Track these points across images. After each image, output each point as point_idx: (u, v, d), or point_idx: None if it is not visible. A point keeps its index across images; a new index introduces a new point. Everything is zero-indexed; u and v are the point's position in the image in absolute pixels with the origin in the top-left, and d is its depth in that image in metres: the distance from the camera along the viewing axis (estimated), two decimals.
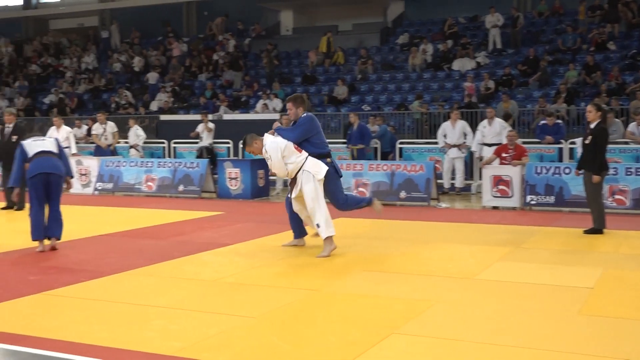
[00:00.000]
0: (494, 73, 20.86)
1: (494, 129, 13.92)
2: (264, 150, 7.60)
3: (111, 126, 16.94)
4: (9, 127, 12.25)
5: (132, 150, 17.39)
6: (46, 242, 8.07)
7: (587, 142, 8.99)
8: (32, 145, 8.29)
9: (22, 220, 11.31)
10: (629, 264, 7.20)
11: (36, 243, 8.05)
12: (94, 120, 17.82)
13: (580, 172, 9.23)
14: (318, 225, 7.47)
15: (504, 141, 12.77)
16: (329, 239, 7.51)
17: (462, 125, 14.63)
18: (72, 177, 8.67)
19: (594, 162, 8.92)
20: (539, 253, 7.83)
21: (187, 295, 5.97)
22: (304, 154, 7.60)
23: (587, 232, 9.04)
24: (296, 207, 7.81)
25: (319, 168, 7.56)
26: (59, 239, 8.20)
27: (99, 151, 16.79)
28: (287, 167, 7.56)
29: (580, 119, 17.10)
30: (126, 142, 17.83)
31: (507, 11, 22.90)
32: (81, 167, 15.63)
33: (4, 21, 33.02)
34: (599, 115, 9.00)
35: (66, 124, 16.70)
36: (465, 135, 14.55)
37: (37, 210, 7.95)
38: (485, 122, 14.30)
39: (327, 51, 24.41)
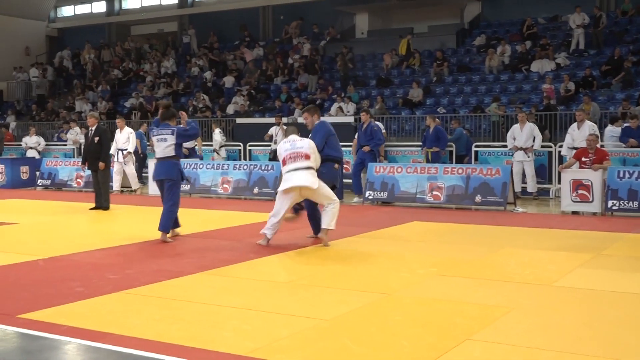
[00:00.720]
0: (575, 74, 20.30)
1: (583, 133, 13.40)
2: None
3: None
4: (91, 130, 12.74)
5: (215, 154, 17.79)
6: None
7: None
8: (155, 144, 9.41)
9: (106, 220, 11.70)
10: None
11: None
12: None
13: None
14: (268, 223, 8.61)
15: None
16: (264, 238, 8.59)
17: (530, 127, 14.29)
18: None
19: None
20: (622, 260, 7.57)
21: (261, 296, 6.03)
22: (287, 168, 8.40)
23: None
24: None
25: (284, 182, 8.39)
26: (164, 231, 9.02)
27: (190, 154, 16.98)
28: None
29: None
30: (209, 145, 18.21)
31: (589, 10, 22.26)
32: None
33: (88, 27, 34.24)
34: None
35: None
36: (534, 138, 14.22)
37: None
38: (574, 125, 13.89)
39: (407, 53, 24.21)
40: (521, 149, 14.19)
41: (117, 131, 16.13)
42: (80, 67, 32.10)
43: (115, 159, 15.79)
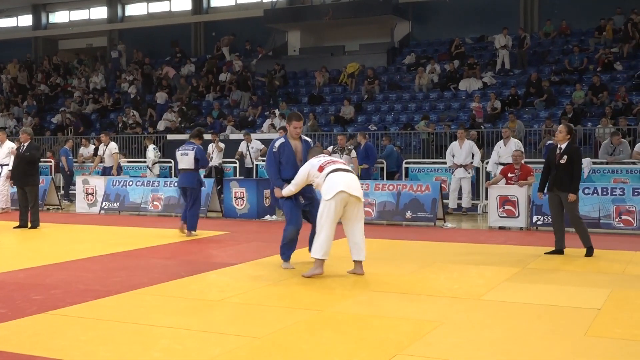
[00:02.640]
0: (501, 93, 20.89)
1: (509, 149, 13.81)
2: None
3: (111, 148, 16.87)
4: (23, 146, 12.38)
5: (148, 171, 17.51)
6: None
7: (562, 161, 8.82)
8: (178, 158, 11.04)
9: (31, 239, 11.36)
10: (636, 284, 7.15)
11: None
12: (100, 141, 17.91)
13: (545, 194, 9.20)
14: (315, 242, 7.40)
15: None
16: (318, 261, 7.36)
17: (469, 145, 14.61)
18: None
19: (571, 181, 8.82)
20: (546, 274, 7.79)
21: (192, 315, 5.95)
22: (324, 172, 7.45)
23: (586, 255, 8.87)
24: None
25: (330, 188, 7.32)
26: (191, 230, 11.00)
27: (105, 171, 16.83)
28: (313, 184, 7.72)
29: (587, 139, 17.09)
30: (138, 161, 17.92)
31: (514, 32, 22.99)
32: (88, 187, 15.69)
33: (14, 41, 33.35)
34: (568, 137, 8.92)
35: (74, 143, 16.88)
36: (472, 155, 14.53)
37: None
38: (501, 142, 14.27)
39: (351, 76, 24.28)
40: (461, 166, 14.46)
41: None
42: (8, 82, 31.19)
43: None
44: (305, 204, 7.98)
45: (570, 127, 9.13)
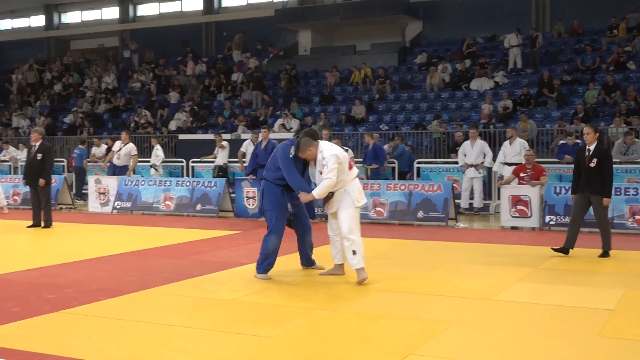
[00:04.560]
0: (513, 93, 20.81)
1: (515, 149, 13.79)
2: (320, 157, 7.11)
3: (130, 148, 16.48)
4: (34, 146, 12.40)
5: (152, 170, 17.45)
6: None
7: (592, 165, 8.72)
8: None
9: (44, 238, 11.42)
10: None
11: None
12: (114, 140, 17.94)
13: (575, 196, 9.11)
14: (354, 252, 7.03)
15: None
16: (360, 269, 7.08)
17: (481, 145, 14.56)
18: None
19: (603, 185, 8.73)
20: (559, 274, 7.75)
21: (204, 314, 5.97)
22: (354, 172, 7.25)
23: (601, 256, 8.86)
24: (333, 228, 7.37)
25: (361, 195, 7.20)
26: None
27: (113, 169, 16.69)
28: (316, 178, 7.24)
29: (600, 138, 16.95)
30: (147, 161, 17.91)
31: (525, 31, 22.90)
32: (100, 186, 15.75)
33: (27, 42, 33.54)
34: (597, 137, 8.84)
35: (85, 143, 17.03)
36: (484, 155, 14.49)
37: None
38: (506, 142, 14.23)
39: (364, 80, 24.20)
40: (472, 165, 14.42)
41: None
42: (18, 81, 31.38)
43: None
44: (293, 212, 7.53)
45: (596, 127, 9.04)
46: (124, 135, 16.72)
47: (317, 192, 7.07)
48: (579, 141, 15.01)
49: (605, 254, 8.84)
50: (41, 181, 12.16)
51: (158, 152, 17.64)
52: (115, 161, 16.34)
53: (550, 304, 6.25)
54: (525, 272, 7.81)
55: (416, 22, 26.52)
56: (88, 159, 18.93)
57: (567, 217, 11.62)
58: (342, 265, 7.50)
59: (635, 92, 18.72)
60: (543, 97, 20.35)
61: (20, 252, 9.92)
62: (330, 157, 7.02)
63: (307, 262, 7.92)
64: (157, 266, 8.32)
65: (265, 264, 7.44)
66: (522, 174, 12.29)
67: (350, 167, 7.20)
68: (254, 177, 13.65)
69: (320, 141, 7.25)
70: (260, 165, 13.21)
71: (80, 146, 19.21)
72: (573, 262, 8.58)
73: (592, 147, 8.79)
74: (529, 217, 12.00)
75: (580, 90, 20.25)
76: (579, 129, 17.09)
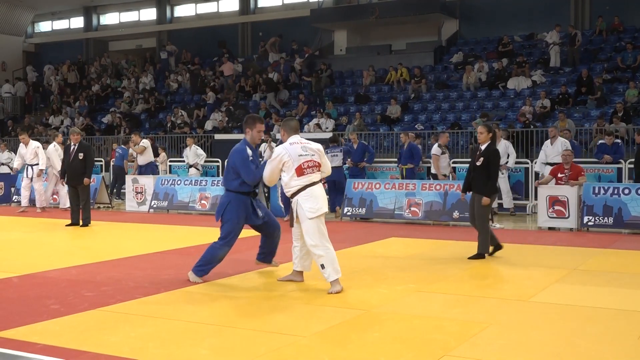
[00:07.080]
0: (550, 92, 20.54)
1: (556, 149, 13.56)
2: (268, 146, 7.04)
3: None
4: (74, 146, 12.61)
5: (192, 170, 17.59)
6: None
7: (478, 163, 8.64)
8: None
9: (83, 236, 11.60)
10: None
11: None
12: (153, 140, 18.10)
13: (466, 195, 9.00)
14: (322, 266, 6.71)
15: None
16: (334, 281, 6.73)
17: (505, 145, 14.39)
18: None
19: (485, 184, 8.60)
20: (598, 276, 7.63)
21: (239, 313, 6.00)
22: (303, 180, 6.79)
23: (471, 257, 8.62)
24: (295, 236, 7.13)
25: (316, 202, 6.76)
26: None
27: (141, 169, 16.90)
28: (281, 180, 6.98)
29: None
30: (182, 161, 18.04)
31: (564, 29, 22.58)
32: (137, 185, 15.94)
33: (67, 43, 34.08)
34: (490, 137, 8.70)
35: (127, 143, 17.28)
36: (508, 155, 14.33)
37: None
38: (547, 141, 14.03)
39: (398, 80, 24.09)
40: None
41: (22, 146, 15.56)
42: (57, 83, 31.90)
43: (25, 175, 15.57)
44: (262, 217, 7.51)
45: (490, 127, 8.90)
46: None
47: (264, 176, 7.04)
48: (618, 141, 14.77)
49: (479, 256, 8.63)
50: (86, 180, 12.36)
51: (199, 152, 17.78)
52: (140, 161, 16.72)
53: (588, 306, 6.16)
54: (562, 273, 7.71)
55: (452, 21, 26.31)
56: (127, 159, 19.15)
57: (605, 218, 11.46)
58: (301, 273, 7.27)
59: None
60: (582, 96, 20.03)
61: (59, 250, 10.08)
62: (276, 150, 6.92)
63: (266, 258, 7.90)
64: (193, 265, 8.37)
65: (206, 268, 7.36)
66: (559, 174, 12.12)
67: (301, 174, 6.76)
68: None
69: (294, 135, 6.98)
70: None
71: (122, 146, 19.44)
72: (612, 264, 8.44)
73: (483, 147, 8.73)
74: (567, 217, 11.83)
75: (620, 89, 19.89)
76: (619, 128, 16.81)
